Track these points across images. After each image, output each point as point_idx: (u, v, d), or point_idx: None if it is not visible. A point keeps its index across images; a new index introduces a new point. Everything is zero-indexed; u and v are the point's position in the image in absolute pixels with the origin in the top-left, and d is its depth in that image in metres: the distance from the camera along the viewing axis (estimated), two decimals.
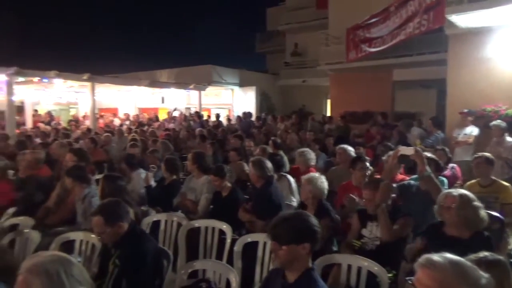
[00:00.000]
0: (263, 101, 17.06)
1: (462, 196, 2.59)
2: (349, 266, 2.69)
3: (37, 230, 3.36)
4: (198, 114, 13.54)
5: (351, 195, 3.75)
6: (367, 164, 4.19)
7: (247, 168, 5.73)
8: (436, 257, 1.46)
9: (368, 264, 2.61)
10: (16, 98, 11.99)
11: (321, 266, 2.69)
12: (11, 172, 5.07)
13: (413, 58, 11.03)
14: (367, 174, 4.10)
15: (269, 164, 3.97)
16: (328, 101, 15.90)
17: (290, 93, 17.90)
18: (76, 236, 3.25)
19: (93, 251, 3.10)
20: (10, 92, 10.50)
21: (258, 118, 12.70)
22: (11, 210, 3.94)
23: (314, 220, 2.06)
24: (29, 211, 3.99)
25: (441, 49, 9.48)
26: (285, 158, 5.08)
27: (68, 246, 3.17)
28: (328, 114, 13.98)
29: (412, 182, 3.71)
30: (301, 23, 17.71)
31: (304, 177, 3.61)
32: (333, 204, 3.87)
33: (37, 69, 11.21)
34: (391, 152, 3.89)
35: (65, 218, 4.08)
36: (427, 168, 3.12)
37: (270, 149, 5.77)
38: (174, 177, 4.78)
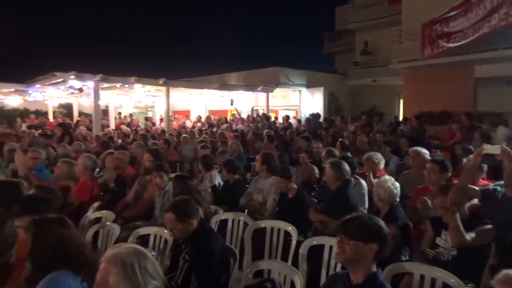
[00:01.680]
0: (331, 102, 16.72)
1: None
2: (422, 277, 2.51)
3: (117, 224, 3.65)
4: (266, 116, 13.68)
5: (424, 198, 3.52)
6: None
7: (317, 171, 5.68)
8: None
9: (443, 275, 2.42)
10: (101, 103, 13.20)
11: (390, 275, 2.55)
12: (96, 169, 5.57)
13: (498, 53, 10.02)
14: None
15: (347, 167, 3.92)
16: (401, 101, 15.14)
17: (359, 94, 17.34)
18: (151, 230, 3.47)
19: (166, 246, 3.29)
20: (97, 97, 11.56)
21: (326, 119, 12.48)
22: (96, 204, 4.32)
23: (384, 225, 2.02)
24: (111, 206, 4.36)
25: None
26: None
27: (143, 239, 3.40)
28: (401, 114, 13.30)
29: (498, 188, 3.35)
30: (372, 20, 17.09)
31: (376, 181, 3.47)
32: (405, 209, 3.66)
33: (119, 75, 12.18)
34: (472, 156, 3.56)
35: (141, 213, 4.40)
36: None
37: (337, 152, 5.63)
38: (237, 176, 4.88)
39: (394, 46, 13.24)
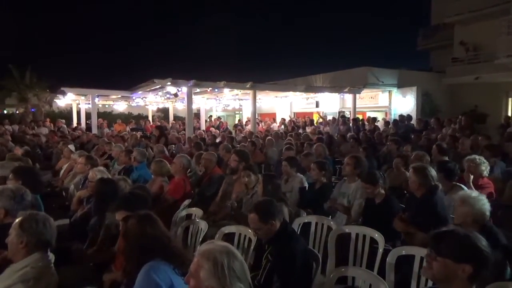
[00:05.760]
0: (425, 102, 15.51)
1: None
2: None
3: (205, 221, 3.85)
4: (355, 119, 13.27)
5: None
6: None
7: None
8: None
9: None
10: (193, 106, 14.09)
11: None
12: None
13: None
14: None
15: (433, 172, 3.62)
16: (510, 100, 13.48)
17: (458, 93, 15.82)
18: (236, 229, 3.59)
19: (250, 245, 3.37)
20: (190, 101, 12.35)
21: (419, 121, 11.61)
22: (187, 201, 4.61)
23: (486, 244, 1.77)
24: (201, 203, 4.61)
25: None
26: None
27: (229, 237, 3.53)
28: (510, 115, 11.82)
29: None
30: (474, 12, 15.51)
31: (458, 196, 2.98)
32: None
33: (209, 80, 12.85)
34: None
35: (229, 212, 4.57)
36: None
37: (427, 156, 5.21)
38: (324, 180, 4.79)
39: (501, 39, 11.89)
